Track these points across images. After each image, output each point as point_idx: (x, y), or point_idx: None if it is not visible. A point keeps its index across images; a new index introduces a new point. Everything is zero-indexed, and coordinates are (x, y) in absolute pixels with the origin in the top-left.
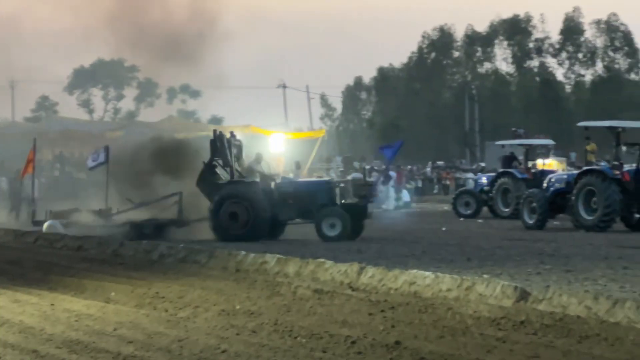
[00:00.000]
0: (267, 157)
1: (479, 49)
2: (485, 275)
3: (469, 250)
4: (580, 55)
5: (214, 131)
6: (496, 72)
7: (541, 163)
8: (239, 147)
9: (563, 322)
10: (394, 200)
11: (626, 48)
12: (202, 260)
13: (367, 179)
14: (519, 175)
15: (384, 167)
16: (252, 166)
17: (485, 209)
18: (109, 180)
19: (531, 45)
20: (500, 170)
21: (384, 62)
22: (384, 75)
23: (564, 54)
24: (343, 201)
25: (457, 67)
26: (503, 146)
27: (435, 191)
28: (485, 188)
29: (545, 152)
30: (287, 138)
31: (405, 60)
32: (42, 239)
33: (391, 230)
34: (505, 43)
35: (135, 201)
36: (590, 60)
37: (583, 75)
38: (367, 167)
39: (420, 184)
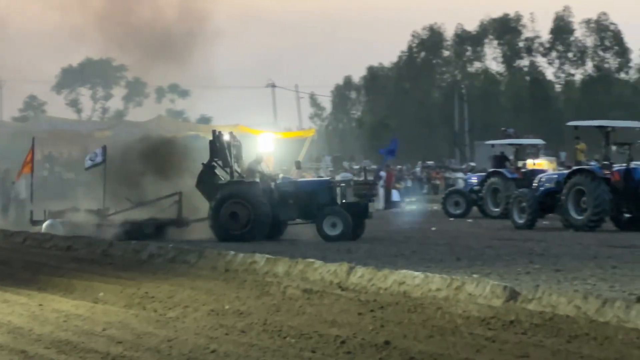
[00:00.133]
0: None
1: (469, 48)
2: (474, 275)
3: (459, 250)
4: (570, 55)
5: (213, 132)
6: (486, 71)
7: (531, 163)
8: (239, 148)
9: (552, 321)
10: (383, 201)
11: (616, 47)
12: (192, 260)
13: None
14: (508, 175)
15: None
16: (253, 166)
17: (475, 208)
18: (100, 179)
19: (521, 44)
20: (490, 170)
21: (373, 61)
22: (374, 75)
23: (554, 54)
24: (344, 201)
25: (446, 66)
26: (493, 146)
27: (424, 191)
28: (475, 188)
29: (535, 151)
30: (276, 138)
31: (395, 59)
32: (30, 239)
33: (381, 230)
34: (495, 42)
35: (133, 201)
36: (580, 60)
37: (573, 75)
38: (357, 166)
39: (409, 183)
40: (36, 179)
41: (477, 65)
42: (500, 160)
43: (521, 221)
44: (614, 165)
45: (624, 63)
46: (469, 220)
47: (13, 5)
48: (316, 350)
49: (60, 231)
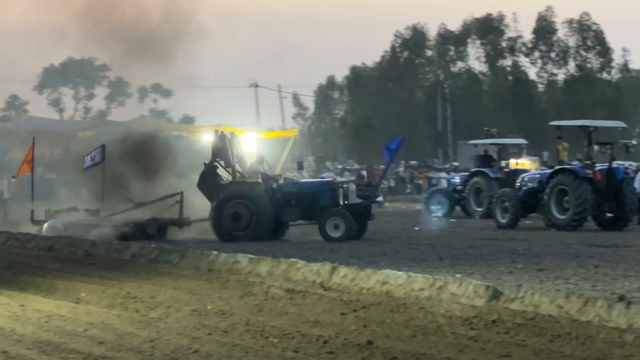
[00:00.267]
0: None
1: (452, 48)
2: (457, 275)
3: (442, 249)
4: (552, 55)
5: (216, 132)
6: (469, 71)
7: (514, 162)
8: (240, 148)
9: (535, 321)
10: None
11: (598, 47)
12: (174, 260)
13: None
14: (491, 175)
15: (356, 166)
16: (255, 167)
17: (457, 208)
18: (83, 179)
19: (504, 44)
20: (473, 169)
21: (356, 61)
22: (357, 75)
23: (536, 53)
24: (346, 202)
25: (429, 66)
26: (476, 145)
27: (408, 190)
28: (458, 187)
29: (517, 151)
30: (259, 137)
31: (378, 59)
32: (13, 239)
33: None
34: (478, 42)
35: (134, 201)
36: (562, 60)
37: (555, 75)
38: (340, 166)
39: (392, 183)
40: (19, 179)
41: (460, 65)
42: (485, 159)
43: (504, 221)
44: (596, 165)
45: (606, 63)
46: (452, 220)
47: None
48: (299, 350)
49: (62, 232)
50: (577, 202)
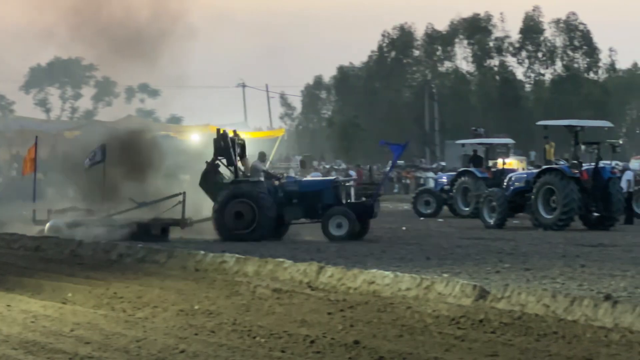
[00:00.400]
0: None
1: (439, 47)
2: (444, 274)
3: (429, 249)
4: (539, 55)
5: (218, 130)
6: (456, 71)
7: (501, 162)
8: (242, 146)
9: (521, 320)
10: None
11: (585, 47)
12: (161, 260)
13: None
14: (479, 175)
15: (343, 165)
16: (257, 165)
17: (445, 208)
18: (69, 179)
19: (491, 44)
20: (461, 169)
21: (344, 61)
22: (344, 75)
23: (523, 53)
24: (349, 200)
25: (417, 66)
26: (463, 145)
27: (395, 190)
28: (446, 187)
29: (505, 151)
30: (246, 137)
31: (365, 59)
32: None
33: None
34: (465, 42)
35: (132, 201)
36: (549, 60)
37: (542, 74)
38: (328, 166)
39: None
40: (6, 179)
41: (447, 64)
42: (475, 160)
43: (491, 220)
44: (583, 165)
45: (593, 63)
46: (440, 220)
47: None
48: (286, 350)
49: (64, 232)
50: (564, 201)
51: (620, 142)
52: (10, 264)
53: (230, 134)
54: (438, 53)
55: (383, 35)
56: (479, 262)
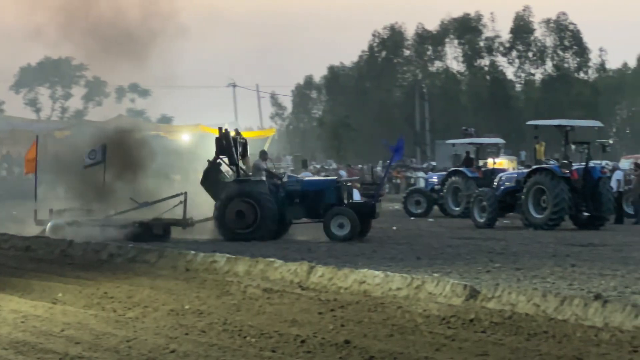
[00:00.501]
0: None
1: (430, 47)
2: (435, 274)
3: (419, 249)
4: (530, 54)
5: (220, 129)
6: (447, 70)
7: (491, 162)
8: (244, 146)
9: (512, 320)
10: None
11: (575, 47)
12: (152, 259)
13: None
14: (469, 174)
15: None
16: (259, 164)
17: (436, 207)
18: (55, 179)
19: (482, 44)
20: (451, 169)
21: (334, 60)
22: (335, 74)
23: (514, 53)
24: (350, 200)
25: (407, 65)
26: (454, 145)
27: (386, 190)
28: (436, 187)
29: (495, 150)
30: None
31: (356, 59)
32: None
33: None
34: (455, 42)
35: (134, 201)
36: (540, 59)
37: (533, 74)
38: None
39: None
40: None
41: (437, 64)
42: (467, 162)
43: (482, 220)
44: (573, 164)
45: (583, 63)
46: (430, 220)
47: None
48: (276, 349)
49: (66, 232)
50: (554, 201)
51: (610, 142)
52: (0, 264)
53: (232, 134)
54: (428, 53)
55: (374, 35)
56: (469, 262)
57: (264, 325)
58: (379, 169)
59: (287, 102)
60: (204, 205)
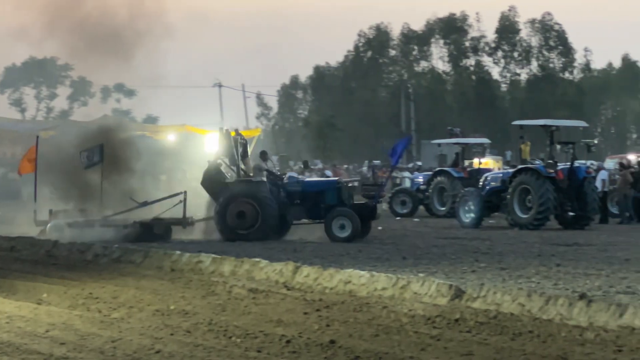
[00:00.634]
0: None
1: (415, 47)
2: (420, 274)
3: (405, 249)
4: (515, 54)
5: (220, 129)
6: (432, 70)
7: (477, 162)
8: (244, 146)
9: (497, 319)
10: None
11: (560, 47)
12: (137, 260)
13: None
14: (455, 174)
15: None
16: (260, 165)
17: (421, 207)
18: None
19: (467, 44)
20: (437, 169)
21: (320, 60)
22: (320, 74)
23: (499, 53)
24: (351, 201)
25: (393, 65)
26: (439, 145)
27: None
28: (422, 187)
29: (481, 150)
30: None
31: (341, 59)
32: None
33: None
34: (441, 42)
35: (134, 201)
36: (525, 59)
37: (518, 74)
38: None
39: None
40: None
41: (423, 64)
42: (457, 161)
43: (467, 220)
44: (559, 164)
45: (568, 63)
46: (416, 220)
47: None
48: (262, 349)
49: (66, 232)
50: (539, 201)
51: (595, 141)
52: None
53: (232, 134)
54: (414, 53)
55: (359, 35)
56: (454, 262)
57: (249, 325)
58: (364, 169)
59: (273, 102)
60: (199, 205)
